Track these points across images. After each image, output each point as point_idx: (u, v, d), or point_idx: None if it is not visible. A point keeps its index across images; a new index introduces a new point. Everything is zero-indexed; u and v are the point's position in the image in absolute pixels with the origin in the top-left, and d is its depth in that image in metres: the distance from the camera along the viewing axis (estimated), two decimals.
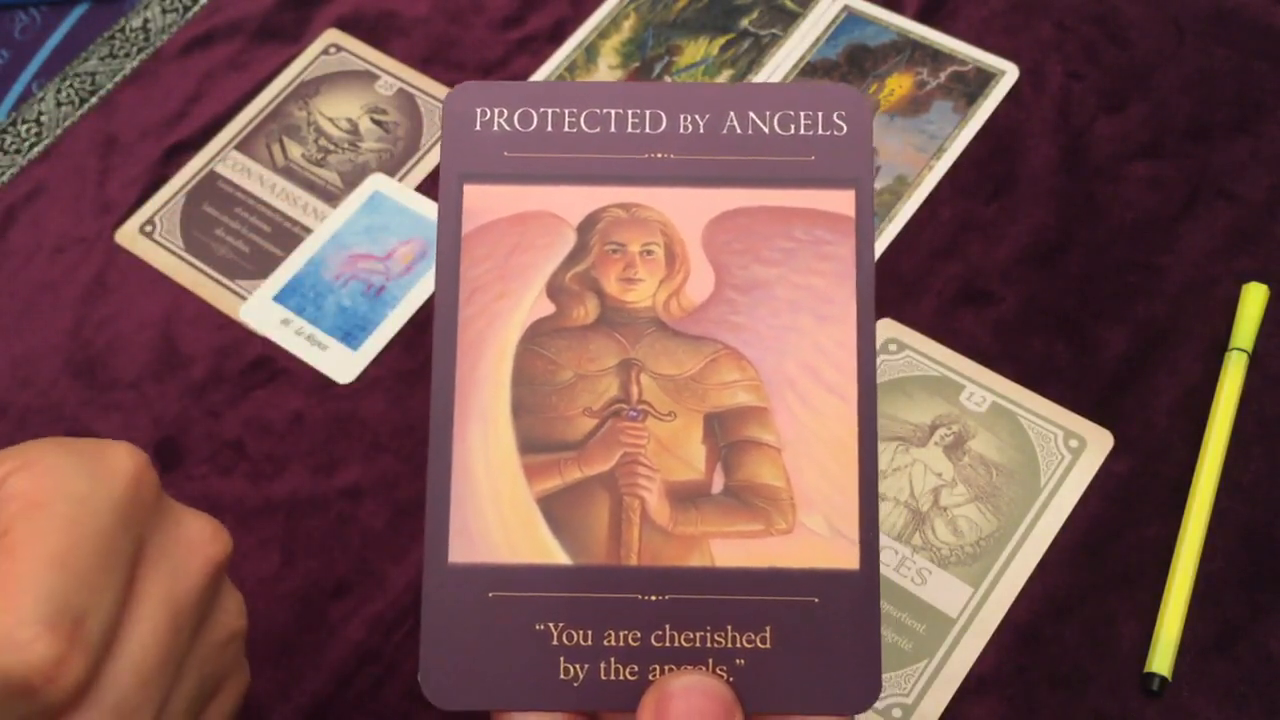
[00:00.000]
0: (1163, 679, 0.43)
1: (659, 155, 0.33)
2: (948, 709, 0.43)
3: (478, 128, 0.33)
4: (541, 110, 0.33)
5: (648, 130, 0.33)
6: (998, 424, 0.48)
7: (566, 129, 0.33)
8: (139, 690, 0.30)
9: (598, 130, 0.33)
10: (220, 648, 0.34)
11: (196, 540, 0.33)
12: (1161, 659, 0.43)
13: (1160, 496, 0.47)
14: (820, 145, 0.33)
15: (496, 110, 0.33)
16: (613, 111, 0.33)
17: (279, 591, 0.48)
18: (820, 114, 0.33)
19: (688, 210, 0.33)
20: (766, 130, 0.33)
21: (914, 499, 0.47)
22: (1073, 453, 0.47)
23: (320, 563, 0.49)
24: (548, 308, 0.33)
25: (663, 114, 0.33)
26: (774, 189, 0.33)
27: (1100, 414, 0.48)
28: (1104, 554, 0.46)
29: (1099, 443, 0.47)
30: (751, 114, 0.33)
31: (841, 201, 0.33)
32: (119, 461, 0.31)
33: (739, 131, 0.33)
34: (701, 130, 0.33)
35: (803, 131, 0.33)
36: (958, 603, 0.45)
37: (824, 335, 0.32)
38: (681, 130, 0.33)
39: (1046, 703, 0.43)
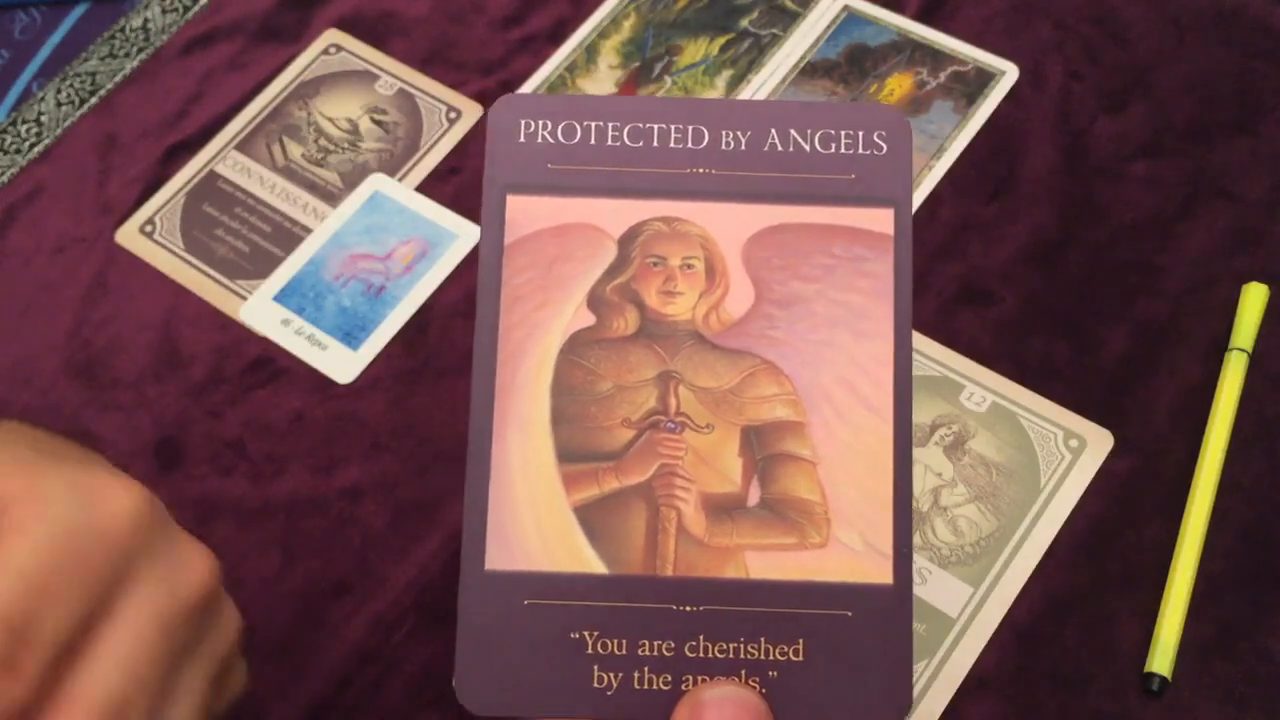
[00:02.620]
0: (1163, 679, 0.43)
1: (701, 170, 0.33)
2: (948, 709, 0.43)
3: (521, 139, 0.33)
4: (585, 123, 0.34)
5: (690, 145, 0.33)
6: (998, 424, 0.48)
7: (610, 142, 0.33)
8: (126, 685, 0.31)
9: (640, 144, 0.33)
10: (215, 659, 0.35)
11: (190, 563, 0.33)
12: (1161, 659, 0.43)
13: (1160, 496, 0.47)
14: (860, 164, 0.33)
15: (540, 122, 0.34)
16: (655, 126, 0.34)
17: (279, 591, 0.48)
18: (861, 133, 0.33)
19: (729, 225, 0.33)
20: (807, 148, 0.33)
21: (914, 499, 0.47)
22: (1073, 453, 0.47)
23: (320, 563, 0.49)
24: (588, 319, 0.33)
25: (705, 129, 0.34)
26: (814, 206, 0.33)
27: (1100, 414, 0.48)
28: (1104, 554, 0.46)
29: (1099, 443, 0.48)
30: (793, 131, 0.34)
31: (881, 220, 0.33)
32: (117, 504, 0.31)
33: (780, 148, 0.33)
34: (743, 146, 0.33)
35: (843, 150, 0.33)
36: (958, 603, 0.45)
37: (861, 351, 0.32)
38: (723, 146, 0.33)
39: (1046, 703, 0.43)
